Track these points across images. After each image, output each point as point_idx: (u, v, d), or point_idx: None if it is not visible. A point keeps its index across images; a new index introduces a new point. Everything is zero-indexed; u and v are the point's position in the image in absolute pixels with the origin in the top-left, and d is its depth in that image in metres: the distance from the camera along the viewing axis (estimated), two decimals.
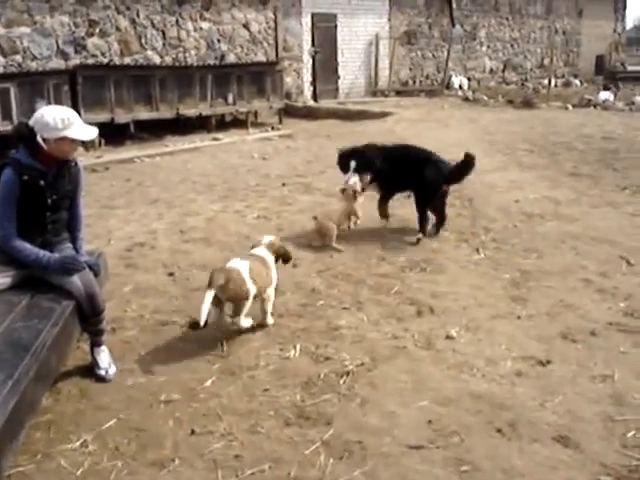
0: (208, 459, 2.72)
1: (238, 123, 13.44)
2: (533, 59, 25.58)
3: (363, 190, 5.69)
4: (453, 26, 20.93)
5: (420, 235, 5.62)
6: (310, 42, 16.76)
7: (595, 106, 15.85)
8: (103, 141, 10.34)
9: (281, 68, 14.27)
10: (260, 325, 3.90)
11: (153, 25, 13.06)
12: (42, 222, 3.34)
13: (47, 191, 3.27)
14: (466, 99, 17.85)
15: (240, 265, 3.68)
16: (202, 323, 3.44)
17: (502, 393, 3.17)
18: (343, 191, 5.66)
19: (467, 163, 5.49)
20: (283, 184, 7.93)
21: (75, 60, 11.75)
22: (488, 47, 23.30)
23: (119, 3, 12.42)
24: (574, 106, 15.87)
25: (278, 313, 4.08)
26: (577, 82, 23.45)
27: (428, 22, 20.52)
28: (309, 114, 15.06)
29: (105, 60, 12.27)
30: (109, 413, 3.05)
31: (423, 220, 5.71)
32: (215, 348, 3.68)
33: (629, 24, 48.37)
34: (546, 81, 21.42)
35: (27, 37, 11.20)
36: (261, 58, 15.14)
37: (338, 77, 17.82)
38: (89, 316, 3.34)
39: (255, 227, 5.99)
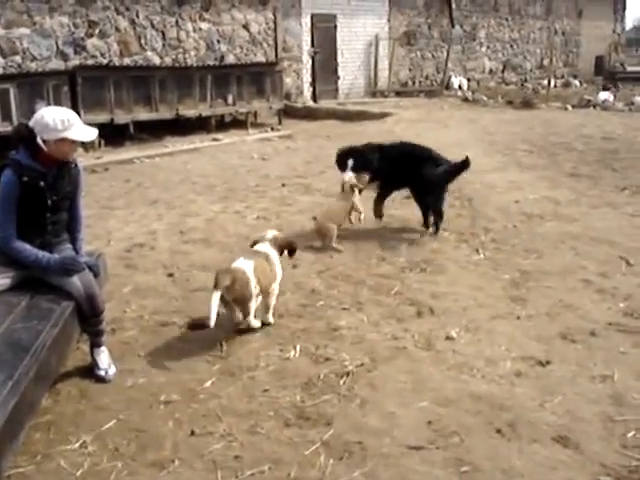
0: (208, 460, 2.72)
1: (238, 124, 13.44)
2: (533, 60, 25.59)
3: (361, 191, 5.69)
4: (452, 27, 20.94)
5: (424, 229, 5.77)
6: (310, 43, 16.76)
7: (595, 106, 15.86)
8: (103, 142, 10.33)
9: (281, 69, 14.27)
10: (262, 322, 3.91)
11: (153, 26, 13.06)
12: (42, 223, 3.34)
13: (47, 192, 3.27)
14: (465, 99, 17.86)
15: (245, 265, 3.69)
16: (212, 324, 3.47)
17: (502, 393, 3.17)
18: (342, 187, 5.67)
19: (465, 163, 5.57)
20: (283, 185, 7.93)
21: (75, 61, 11.75)
22: (488, 48, 23.31)
23: (119, 4, 12.42)
24: (574, 106, 15.88)
25: (278, 313, 4.08)
26: (577, 82, 23.47)
27: (428, 23, 20.53)
28: (309, 115, 15.07)
29: (105, 61, 12.26)
30: (109, 414, 3.05)
31: (427, 215, 5.81)
32: (215, 349, 3.68)
33: (628, 25, 48.41)
34: (546, 81, 21.43)
35: (27, 38, 11.20)
36: (261, 59, 15.14)
37: (338, 78, 17.82)
38: (89, 317, 3.34)
39: (255, 228, 5.98)
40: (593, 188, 7.50)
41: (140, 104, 11.47)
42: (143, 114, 11.52)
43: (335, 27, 17.44)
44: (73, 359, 3.51)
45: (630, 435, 2.82)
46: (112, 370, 3.41)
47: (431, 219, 5.82)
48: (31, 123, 3.22)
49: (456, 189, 7.21)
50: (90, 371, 3.41)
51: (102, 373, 3.37)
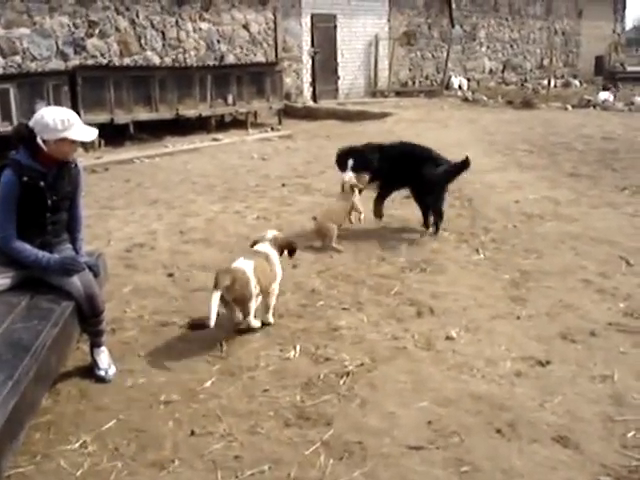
0: (208, 460, 2.72)
1: (238, 124, 13.44)
2: (532, 60, 25.59)
3: (361, 191, 5.70)
4: (452, 27, 20.94)
5: (424, 229, 5.80)
6: (310, 43, 16.76)
7: (595, 106, 15.86)
8: (103, 142, 10.33)
9: (281, 69, 14.28)
10: (262, 322, 3.92)
11: (153, 26, 13.06)
12: (42, 223, 3.34)
13: (47, 192, 3.27)
14: (465, 99, 17.86)
15: (245, 265, 3.70)
16: (212, 324, 3.48)
17: (502, 393, 3.17)
18: (342, 187, 5.66)
19: (465, 163, 5.58)
20: (283, 185, 7.93)
21: (75, 61, 11.75)
22: (488, 48, 23.30)
23: (119, 4, 12.43)
24: (574, 106, 15.88)
25: (278, 313, 4.08)
26: (576, 82, 23.47)
27: (427, 23, 20.53)
28: (309, 115, 15.07)
29: (105, 61, 12.26)
30: (109, 414, 3.05)
31: (427, 215, 5.82)
32: (215, 349, 3.68)
33: (628, 25, 48.41)
34: (545, 81, 21.44)
35: (27, 38, 11.20)
36: (261, 59, 15.14)
37: (338, 78, 17.82)
38: (89, 317, 3.34)
39: (255, 228, 5.98)
40: (593, 188, 7.50)
41: (140, 104, 11.47)
42: (143, 114, 11.52)
43: (335, 27, 17.44)
44: (73, 359, 3.51)
45: (630, 435, 2.82)
46: (112, 370, 3.41)
47: (431, 219, 5.82)
48: (31, 123, 3.22)
49: (456, 189, 7.22)
50: (90, 371, 3.41)
51: (102, 373, 3.37)
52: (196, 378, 3.36)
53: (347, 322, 4.00)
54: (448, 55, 20.08)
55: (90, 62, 11.96)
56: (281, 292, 4.21)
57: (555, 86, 21.81)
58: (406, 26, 19.72)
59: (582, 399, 3.11)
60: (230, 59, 14.59)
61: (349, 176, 5.61)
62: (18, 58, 11.14)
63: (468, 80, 21.51)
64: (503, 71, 24.12)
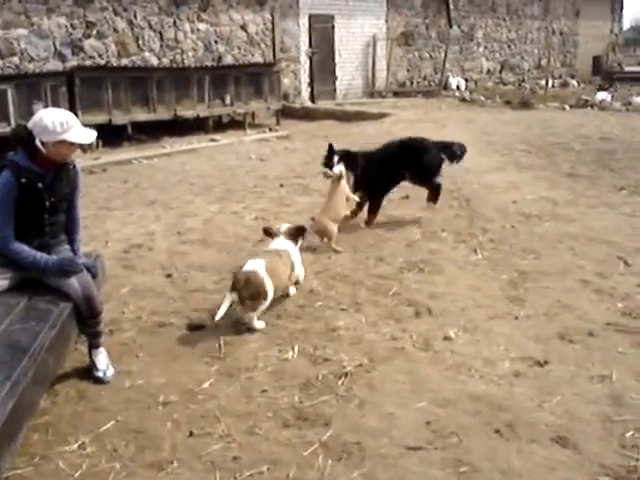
0: (206, 461, 2.71)
1: (236, 124, 13.44)
2: (530, 60, 25.61)
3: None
4: (450, 27, 20.94)
5: (431, 204, 6.21)
6: (307, 43, 16.77)
7: (592, 106, 15.88)
8: (100, 143, 10.33)
9: (278, 69, 14.28)
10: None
11: (150, 26, 13.05)
12: (40, 224, 3.33)
13: (45, 194, 3.27)
14: (463, 100, 17.88)
15: (258, 265, 3.88)
16: (217, 318, 3.66)
17: (500, 394, 3.17)
18: (328, 177, 5.71)
19: (462, 147, 6.15)
20: (281, 185, 7.93)
21: (72, 62, 11.74)
22: (485, 48, 23.32)
23: (116, 5, 12.43)
24: (571, 107, 15.90)
25: (276, 314, 4.09)
26: (574, 83, 23.50)
27: (425, 23, 20.54)
28: (307, 115, 15.07)
29: (102, 62, 12.26)
30: (107, 415, 3.05)
31: (433, 190, 6.18)
32: (213, 350, 3.67)
33: (626, 25, 48.58)
34: (543, 82, 21.48)
35: (24, 39, 11.19)
36: (258, 59, 15.15)
37: (335, 78, 17.82)
38: (87, 318, 3.33)
39: (253, 228, 5.98)
40: (591, 188, 7.51)
41: (138, 105, 11.47)
42: (141, 115, 11.52)
43: (333, 27, 17.45)
44: (71, 360, 3.51)
45: (629, 435, 2.82)
46: (110, 371, 3.40)
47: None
48: (30, 125, 3.22)
49: (454, 189, 7.23)
50: (88, 372, 3.40)
51: (100, 374, 3.37)
52: (194, 379, 3.36)
53: (345, 323, 4.00)
54: (446, 55, 20.10)
55: (88, 63, 11.96)
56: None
57: (553, 86, 21.85)
58: (404, 26, 19.73)
59: (581, 399, 3.11)
60: (228, 60, 14.59)
61: (339, 169, 5.63)
62: (16, 59, 11.14)
63: (466, 80, 21.53)
64: (501, 71, 24.14)
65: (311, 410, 3.06)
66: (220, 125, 13.16)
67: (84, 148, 9.70)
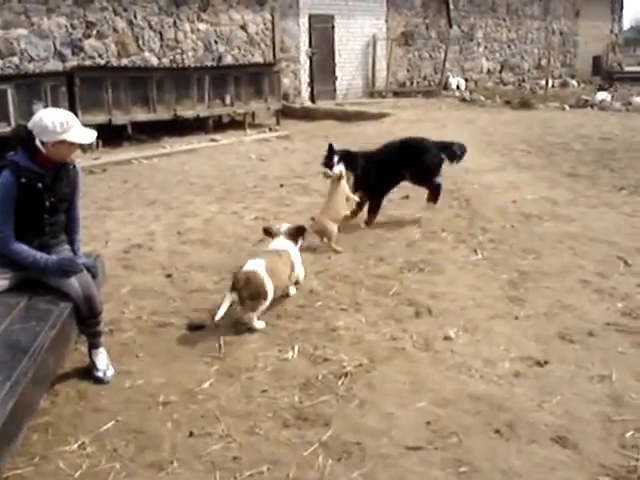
0: (206, 461, 2.71)
1: (235, 124, 13.44)
2: (530, 60, 25.61)
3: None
4: (450, 27, 20.95)
5: (431, 204, 6.23)
6: (307, 43, 16.77)
7: (592, 106, 15.88)
8: (100, 143, 10.33)
9: (278, 69, 14.28)
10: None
11: (150, 26, 13.05)
12: (40, 224, 3.33)
13: (45, 194, 3.27)
14: (463, 100, 17.88)
15: (258, 265, 3.89)
16: (217, 318, 3.67)
17: (500, 394, 3.17)
18: (328, 177, 5.70)
19: (462, 147, 6.13)
20: (281, 185, 7.93)
21: (72, 62, 11.75)
22: (485, 48, 23.32)
23: (116, 5, 12.43)
24: (571, 107, 15.90)
25: (276, 314, 4.09)
26: (574, 83, 23.51)
27: (425, 23, 20.54)
28: (307, 115, 15.07)
29: (102, 62, 12.26)
30: (107, 415, 3.05)
31: (433, 190, 6.18)
32: (213, 350, 3.67)
33: (626, 25, 48.63)
34: (543, 82, 21.47)
35: (24, 39, 11.20)
36: (258, 59, 15.15)
37: (335, 78, 17.82)
38: (87, 318, 3.33)
39: (253, 228, 5.98)
40: (591, 188, 7.51)
41: (138, 105, 11.47)
42: (141, 115, 11.52)
43: (333, 27, 17.46)
44: (71, 360, 3.51)
45: (629, 435, 2.82)
46: (110, 371, 3.40)
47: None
48: (30, 125, 3.22)
49: (454, 189, 7.23)
50: (88, 372, 3.40)
51: (100, 374, 3.37)
52: (194, 379, 3.36)
53: (345, 323, 4.00)
54: (446, 55, 20.10)
55: (88, 63, 11.96)
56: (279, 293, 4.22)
57: (553, 86, 21.85)
58: (404, 26, 19.73)
59: (580, 399, 3.11)
60: (228, 60, 14.59)
61: (339, 169, 5.63)
62: (16, 59, 11.14)
63: (466, 80, 21.53)
64: (501, 71, 24.14)
65: (311, 410, 3.06)
66: (220, 125, 13.16)
67: (84, 148, 9.70)
